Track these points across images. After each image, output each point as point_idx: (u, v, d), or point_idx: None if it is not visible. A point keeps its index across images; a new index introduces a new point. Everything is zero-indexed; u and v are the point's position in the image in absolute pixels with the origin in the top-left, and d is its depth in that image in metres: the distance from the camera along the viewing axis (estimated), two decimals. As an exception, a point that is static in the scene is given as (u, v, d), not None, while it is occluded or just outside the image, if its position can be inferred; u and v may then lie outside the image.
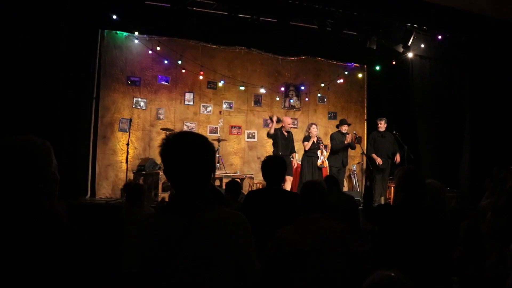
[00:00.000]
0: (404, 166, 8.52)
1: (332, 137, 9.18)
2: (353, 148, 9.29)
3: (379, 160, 8.88)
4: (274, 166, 3.78)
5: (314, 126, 8.93)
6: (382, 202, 8.48)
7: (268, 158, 3.94)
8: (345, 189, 9.75)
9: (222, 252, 1.68)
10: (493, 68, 9.20)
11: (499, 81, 9.19)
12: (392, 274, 1.81)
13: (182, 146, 1.77)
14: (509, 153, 8.74)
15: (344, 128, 9.06)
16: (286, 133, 8.65)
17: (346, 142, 8.91)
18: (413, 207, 3.12)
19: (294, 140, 8.94)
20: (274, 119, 8.48)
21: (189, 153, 1.75)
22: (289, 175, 8.18)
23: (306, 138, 8.89)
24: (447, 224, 3.38)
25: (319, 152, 8.80)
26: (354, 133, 9.44)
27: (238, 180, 8.75)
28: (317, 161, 8.80)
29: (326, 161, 8.93)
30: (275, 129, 8.73)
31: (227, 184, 5.63)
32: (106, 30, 9.22)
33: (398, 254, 2.99)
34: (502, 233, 3.78)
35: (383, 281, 1.80)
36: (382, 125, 9.05)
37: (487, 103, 9.24)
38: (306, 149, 8.80)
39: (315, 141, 8.74)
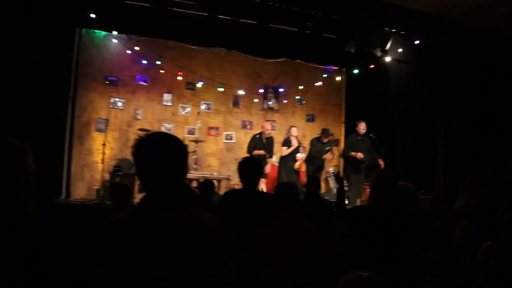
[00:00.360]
0: (379, 169, 8.67)
1: (312, 144, 9.24)
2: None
3: (359, 155, 8.89)
4: (250, 167, 3.80)
5: (294, 129, 8.94)
6: (358, 204, 8.55)
7: (245, 159, 3.95)
8: (322, 191, 9.79)
9: (194, 252, 1.67)
10: (468, 74, 9.38)
11: (474, 87, 9.38)
12: (366, 275, 1.83)
13: (154, 147, 1.76)
14: (483, 157, 8.93)
15: (325, 139, 9.10)
16: (265, 140, 8.66)
17: (324, 157, 9.00)
18: (387, 209, 3.16)
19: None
20: (259, 152, 8.52)
21: (160, 154, 1.74)
22: (263, 177, 8.22)
23: (286, 143, 8.89)
24: (420, 226, 3.43)
25: (297, 156, 8.84)
26: (332, 135, 9.52)
27: (215, 181, 8.75)
28: (294, 164, 8.84)
29: (304, 164, 8.97)
30: (255, 135, 8.80)
31: (200, 183, 5.63)
32: (84, 29, 9.09)
33: (372, 255, 3.02)
34: (474, 235, 3.86)
35: (357, 281, 1.82)
36: (362, 128, 9.08)
37: (462, 108, 9.41)
38: (283, 154, 8.82)
39: (296, 146, 8.78)
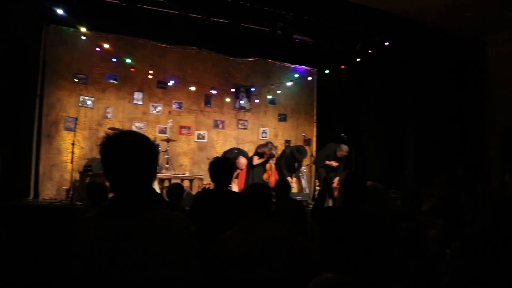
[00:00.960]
0: (348, 169, 8.79)
1: (282, 155, 9.25)
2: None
3: (334, 163, 9.03)
4: (222, 167, 3.78)
5: (273, 149, 8.89)
6: (330, 204, 8.63)
7: (216, 159, 3.92)
8: (294, 190, 9.82)
9: (162, 254, 1.64)
10: (437, 75, 9.56)
11: (443, 88, 9.57)
12: (337, 276, 1.85)
13: (122, 146, 1.72)
14: (453, 157, 9.11)
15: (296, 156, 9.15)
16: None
17: (287, 179, 9.06)
18: (355, 209, 3.20)
19: (244, 142, 8.92)
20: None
21: (128, 154, 1.70)
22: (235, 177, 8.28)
23: (258, 153, 8.89)
24: (389, 225, 3.48)
25: (266, 165, 8.84)
26: (303, 135, 9.56)
27: (187, 180, 8.70)
28: (263, 174, 8.84)
29: (274, 175, 8.95)
30: (234, 149, 8.84)
31: (169, 187, 5.52)
32: (51, 25, 8.87)
33: (341, 255, 3.05)
34: (443, 235, 3.94)
35: (328, 283, 1.83)
36: (342, 155, 9.11)
37: (432, 108, 9.60)
38: (254, 163, 8.82)
39: (268, 160, 8.79)
